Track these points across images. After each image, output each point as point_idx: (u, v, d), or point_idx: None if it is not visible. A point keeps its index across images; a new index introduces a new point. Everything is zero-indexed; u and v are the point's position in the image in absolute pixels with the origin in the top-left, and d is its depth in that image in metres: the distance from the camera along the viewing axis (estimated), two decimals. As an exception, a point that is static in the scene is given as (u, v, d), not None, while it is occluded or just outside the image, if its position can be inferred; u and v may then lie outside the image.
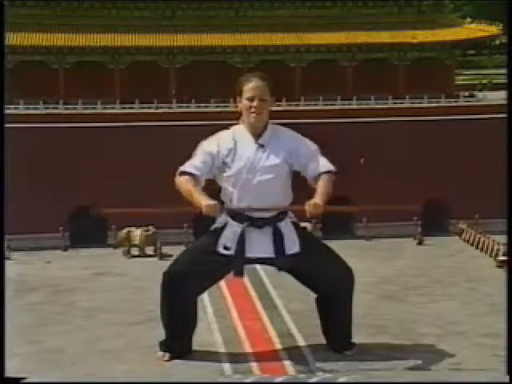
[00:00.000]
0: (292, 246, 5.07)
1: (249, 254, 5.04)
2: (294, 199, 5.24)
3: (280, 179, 5.04)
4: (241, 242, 5.01)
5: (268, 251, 5.04)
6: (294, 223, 5.17)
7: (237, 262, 5.04)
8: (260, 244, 5.04)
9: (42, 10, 40.50)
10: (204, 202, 4.84)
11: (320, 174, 5.01)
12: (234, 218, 5.08)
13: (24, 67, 38.09)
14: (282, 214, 5.12)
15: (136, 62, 40.38)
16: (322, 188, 4.95)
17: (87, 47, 39.52)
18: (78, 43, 39.45)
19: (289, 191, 5.20)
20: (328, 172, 5.03)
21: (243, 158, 5.02)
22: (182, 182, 5.00)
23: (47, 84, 39.05)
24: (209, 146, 5.08)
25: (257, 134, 5.07)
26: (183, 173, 5.02)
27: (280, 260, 5.03)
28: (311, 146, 5.16)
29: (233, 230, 5.06)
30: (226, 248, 5.05)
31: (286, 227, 5.11)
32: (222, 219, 5.14)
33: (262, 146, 5.05)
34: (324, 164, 5.07)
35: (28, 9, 40.09)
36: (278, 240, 5.04)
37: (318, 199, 4.87)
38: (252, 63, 39.72)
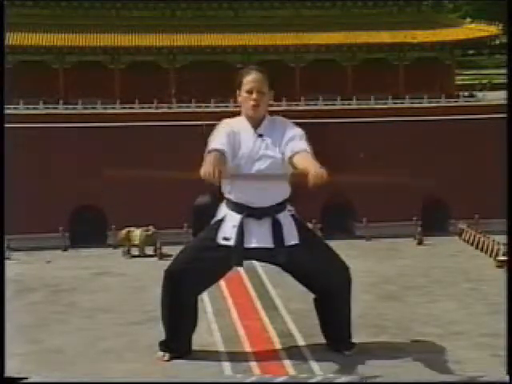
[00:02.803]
0: (291, 237, 5.09)
1: (248, 245, 5.05)
2: (293, 198, 5.25)
3: (279, 169, 5.06)
4: (240, 232, 5.03)
5: (267, 241, 5.05)
6: (292, 216, 5.19)
7: (236, 252, 5.05)
8: (259, 234, 5.06)
9: (42, 10, 40.50)
10: (203, 168, 4.70)
11: (296, 153, 4.94)
12: (233, 210, 5.11)
13: (24, 67, 38.07)
14: (280, 206, 5.14)
15: (136, 62, 40.38)
16: (308, 160, 4.83)
17: (87, 47, 39.50)
18: (78, 43, 39.44)
19: (288, 183, 5.20)
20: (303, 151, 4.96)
21: (242, 147, 5.06)
22: (207, 157, 4.86)
23: (47, 84, 39.04)
24: (223, 129, 5.08)
25: (255, 125, 5.12)
26: (210, 151, 4.92)
27: (279, 251, 5.03)
28: (297, 130, 5.13)
29: (232, 221, 5.09)
30: (225, 239, 5.07)
31: (285, 219, 5.13)
32: (221, 212, 5.17)
33: (260, 135, 5.10)
34: (302, 145, 5.00)
35: (28, 9, 40.09)
36: (277, 231, 5.05)
37: (316, 169, 4.70)
38: (252, 63, 39.69)
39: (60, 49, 39.52)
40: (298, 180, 4.87)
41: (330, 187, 5.15)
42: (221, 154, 4.87)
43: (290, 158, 4.95)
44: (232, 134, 5.04)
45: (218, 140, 4.99)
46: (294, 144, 4.99)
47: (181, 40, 40.31)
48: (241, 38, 40.34)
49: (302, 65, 41.75)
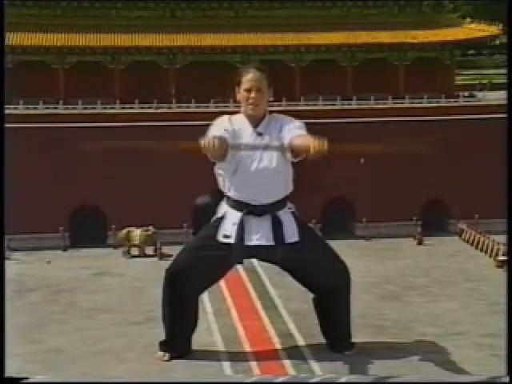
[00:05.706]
0: (291, 234, 5.08)
1: (248, 242, 5.04)
2: (293, 199, 5.24)
3: (278, 166, 5.04)
4: (240, 229, 5.02)
5: (267, 239, 5.04)
6: (292, 213, 5.19)
7: (236, 249, 5.04)
8: (259, 232, 5.05)
9: (42, 10, 40.47)
10: (203, 140, 4.65)
11: (295, 138, 4.88)
12: (232, 207, 5.11)
13: (24, 67, 38.05)
14: (280, 203, 5.13)
15: (136, 62, 40.36)
16: (307, 136, 4.77)
17: (87, 47, 39.48)
18: (78, 43, 39.40)
19: (289, 180, 5.18)
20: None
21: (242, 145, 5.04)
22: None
23: (47, 84, 39.01)
24: (222, 123, 5.04)
25: (255, 123, 5.10)
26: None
27: (279, 248, 5.02)
28: (296, 122, 5.10)
29: (232, 218, 5.08)
30: (225, 237, 5.06)
31: (285, 216, 5.12)
32: (221, 210, 5.17)
33: (260, 134, 5.08)
34: (301, 132, 4.95)
35: (28, 9, 40.06)
36: (277, 228, 5.04)
37: (316, 139, 4.63)
38: (252, 63, 39.61)
39: (60, 49, 39.48)
40: (297, 150, 4.81)
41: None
42: (220, 137, 4.80)
43: (290, 142, 4.88)
44: (231, 131, 5.01)
45: (216, 131, 4.94)
46: (294, 132, 4.94)
47: (181, 40, 40.27)
48: (241, 38, 40.31)
49: (302, 65, 41.72)
